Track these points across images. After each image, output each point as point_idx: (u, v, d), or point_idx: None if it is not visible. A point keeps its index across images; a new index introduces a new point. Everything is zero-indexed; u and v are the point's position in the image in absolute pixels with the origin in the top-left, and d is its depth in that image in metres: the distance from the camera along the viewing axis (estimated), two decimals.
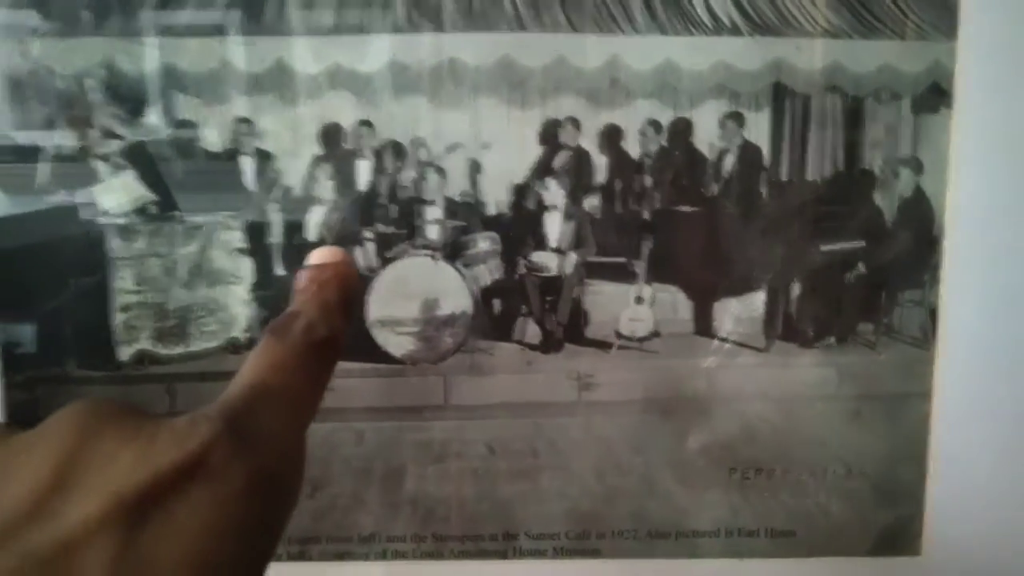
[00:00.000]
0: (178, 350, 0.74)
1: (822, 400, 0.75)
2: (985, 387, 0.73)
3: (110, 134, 0.70)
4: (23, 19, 0.68)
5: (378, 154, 0.73)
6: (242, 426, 0.29)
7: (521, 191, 0.75)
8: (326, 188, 0.74)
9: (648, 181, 0.75)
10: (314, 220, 0.75)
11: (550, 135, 0.73)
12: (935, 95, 0.71)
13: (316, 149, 0.72)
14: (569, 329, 0.76)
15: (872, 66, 0.71)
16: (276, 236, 0.74)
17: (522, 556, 0.75)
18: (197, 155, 0.72)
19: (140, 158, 0.71)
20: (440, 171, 0.74)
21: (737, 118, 0.73)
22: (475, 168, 0.74)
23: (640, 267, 0.75)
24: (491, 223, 0.76)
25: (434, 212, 0.76)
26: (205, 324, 0.74)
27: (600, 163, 0.75)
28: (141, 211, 0.72)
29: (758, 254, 0.74)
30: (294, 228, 0.74)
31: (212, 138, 0.71)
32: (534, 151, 0.73)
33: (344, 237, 0.75)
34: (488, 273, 0.77)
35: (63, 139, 0.70)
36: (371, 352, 0.74)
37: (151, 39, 0.69)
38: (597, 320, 0.76)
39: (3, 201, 0.69)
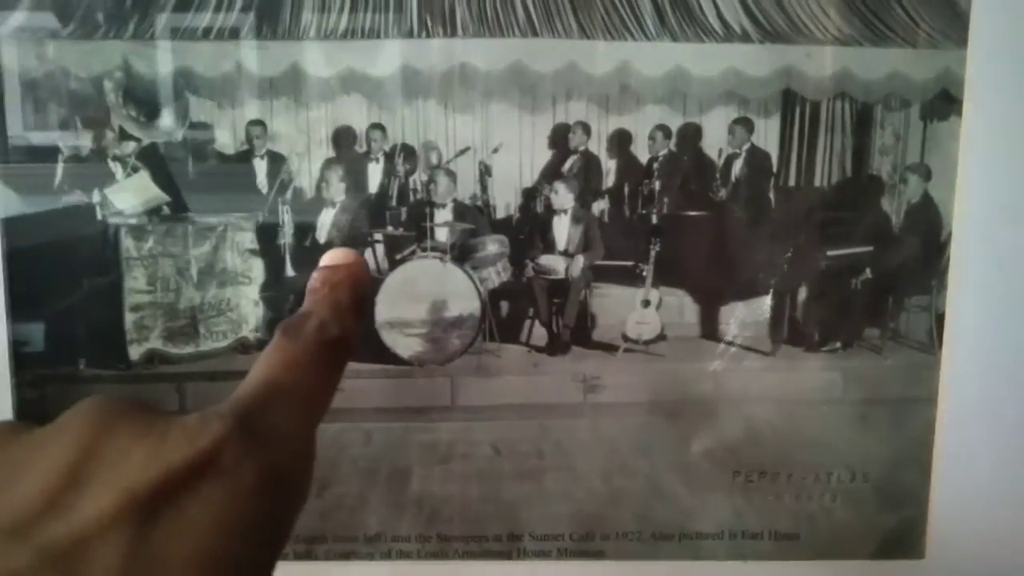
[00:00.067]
0: (188, 350, 0.74)
1: (827, 404, 0.75)
2: (990, 392, 0.73)
3: (126, 136, 0.71)
4: (41, 22, 0.68)
5: (389, 157, 0.74)
6: (253, 424, 0.29)
7: (530, 194, 0.75)
8: (337, 190, 0.74)
9: (656, 185, 0.75)
10: (325, 222, 0.75)
11: (560, 139, 0.74)
12: (944, 102, 0.71)
13: (328, 152, 0.73)
14: (576, 332, 0.77)
15: (882, 73, 0.71)
16: (287, 237, 0.74)
17: (526, 557, 0.75)
18: (211, 157, 0.72)
19: (155, 159, 0.72)
20: (450, 174, 0.75)
21: (746, 124, 0.73)
22: (485, 172, 0.74)
23: (647, 271, 0.75)
24: (500, 226, 0.76)
25: (444, 215, 0.77)
26: (215, 324, 0.74)
27: (609, 167, 0.75)
28: (155, 212, 0.73)
29: (765, 258, 0.75)
30: (305, 230, 0.75)
31: (226, 140, 0.72)
32: (544, 155, 0.74)
33: (354, 239, 0.75)
34: (496, 276, 0.78)
35: (79, 140, 0.71)
36: (379, 353, 0.75)
37: (167, 43, 0.69)
38: (604, 323, 0.77)
39: (16, 201, 0.70)
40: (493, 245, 0.77)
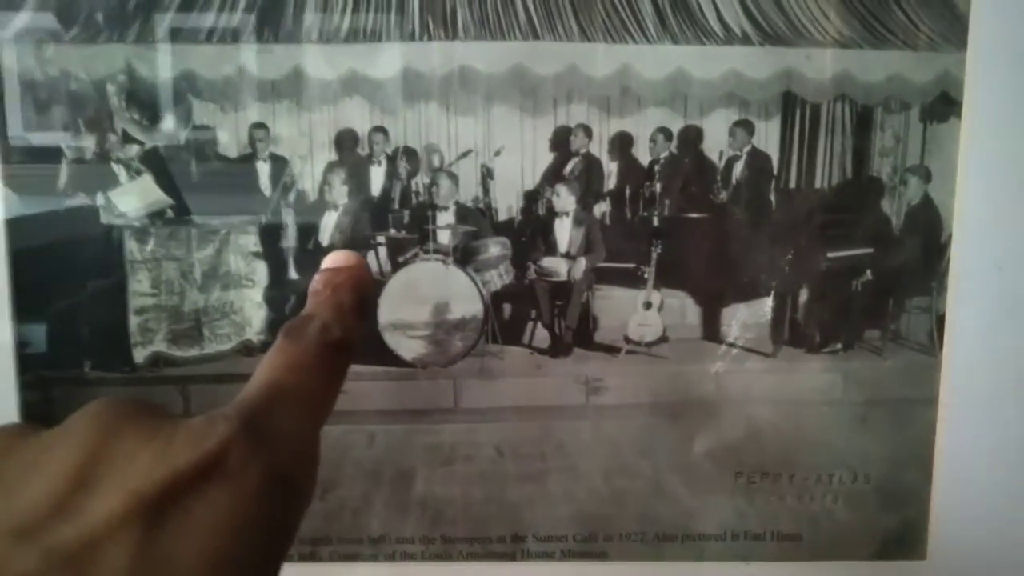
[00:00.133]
0: (192, 352, 0.75)
1: (828, 405, 0.75)
2: (991, 393, 0.73)
3: (129, 139, 0.71)
4: (44, 25, 0.69)
5: (391, 160, 0.74)
6: (258, 426, 0.29)
7: (532, 197, 0.76)
8: (340, 193, 0.75)
9: (658, 188, 0.75)
10: (328, 224, 0.75)
11: (561, 142, 0.74)
12: (944, 104, 0.71)
13: (330, 155, 0.73)
14: (578, 334, 0.77)
15: (882, 76, 0.72)
16: (290, 240, 0.75)
17: (530, 558, 0.75)
18: (213, 160, 0.73)
19: (158, 163, 0.72)
20: (452, 177, 0.75)
21: (747, 126, 0.73)
22: (487, 174, 0.75)
23: (649, 272, 0.76)
24: (502, 228, 0.77)
25: (446, 217, 0.77)
26: (219, 327, 0.74)
27: (610, 170, 0.75)
28: (159, 215, 0.73)
29: (766, 260, 0.75)
30: (308, 232, 0.75)
31: (228, 143, 0.72)
32: (545, 158, 0.74)
33: (357, 241, 0.75)
34: (499, 278, 0.78)
35: (83, 143, 0.71)
36: (382, 355, 0.75)
37: (169, 46, 0.70)
38: (606, 325, 0.77)
39: (20, 202, 0.70)
40: (495, 247, 0.77)
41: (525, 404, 0.76)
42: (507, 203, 0.76)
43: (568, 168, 0.75)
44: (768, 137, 0.74)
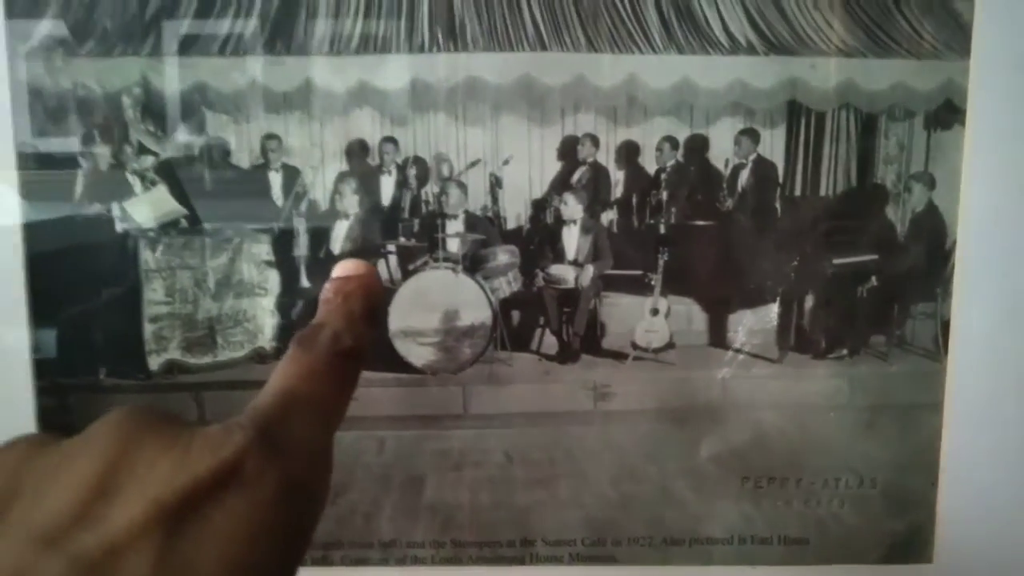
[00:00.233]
0: (206, 360, 0.75)
1: (834, 410, 0.76)
2: (996, 398, 0.74)
3: (144, 150, 0.72)
4: (61, 39, 0.70)
5: (401, 170, 0.75)
6: (273, 434, 0.29)
7: (540, 205, 0.76)
8: (351, 202, 0.75)
9: (664, 196, 0.76)
10: (339, 233, 0.76)
11: (569, 151, 0.74)
12: (948, 112, 0.72)
13: (341, 165, 0.74)
14: (586, 340, 0.78)
15: (886, 84, 0.72)
16: (302, 249, 0.75)
17: (539, 562, 0.76)
18: (227, 170, 0.73)
19: (172, 173, 0.73)
20: (461, 186, 0.76)
21: (752, 135, 0.74)
22: (495, 183, 0.75)
23: (656, 280, 0.76)
24: (510, 237, 0.77)
25: (455, 226, 0.78)
26: (232, 334, 0.75)
27: (617, 178, 0.76)
28: (173, 224, 0.74)
29: (772, 267, 0.75)
30: (320, 241, 0.76)
31: (241, 154, 0.73)
32: (553, 167, 0.75)
33: (367, 250, 0.76)
34: (507, 285, 0.78)
35: (99, 154, 0.72)
36: (393, 362, 0.76)
37: (184, 59, 0.71)
38: (613, 331, 0.77)
39: (33, 209, 0.71)
40: (504, 255, 0.78)
41: (534, 410, 0.76)
42: (515, 211, 0.77)
43: (576, 177, 0.76)
44: (773, 145, 0.74)
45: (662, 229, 0.76)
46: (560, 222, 0.77)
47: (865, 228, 0.75)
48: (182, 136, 0.72)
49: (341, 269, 0.38)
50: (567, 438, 0.76)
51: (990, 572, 0.76)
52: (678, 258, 0.76)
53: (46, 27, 0.69)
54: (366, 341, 0.35)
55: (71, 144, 0.71)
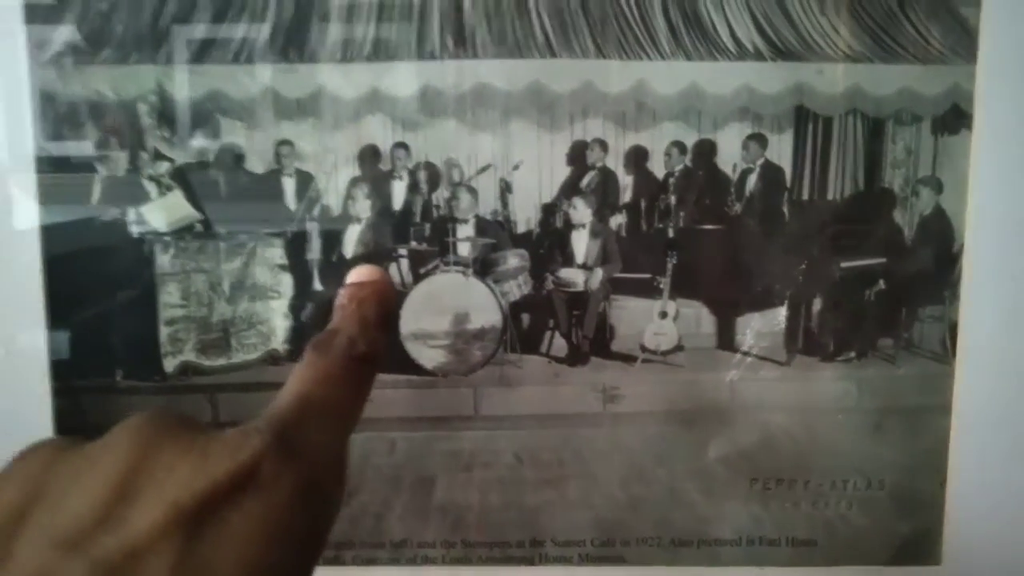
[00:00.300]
0: (220, 362, 0.76)
1: (842, 413, 0.76)
2: (1003, 400, 0.74)
3: (160, 156, 0.73)
4: (78, 47, 0.71)
5: (412, 175, 0.76)
6: (289, 438, 0.30)
7: (549, 210, 0.77)
8: (363, 207, 0.76)
9: (672, 200, 0.76)
10: (351, 237, 0.77)
11: (578, 156, 0.75)
12: (955, 116, 0.72)
13: (354, 170, 0.75)
14: (595, 343, 0.78)
15: (893, 89, 0.72)
16: (315, 253, 0.76)
17: (548, 563, 0.76)
18: (241, 175, 0.74)
19: (187, 179, 0.74)
20: (472, 191, 0.76)
21: (760, 139, 0.74)
22: (505, 188, 0.76)
23: (664, 283, 0.76)
24: (520, 241, 0.78)
25: (466, 230, 0.78)
26: (246, 337, 0.76)
27: (626, 183, 0.76)
28: (188, 229, 0.75)
29: (780, 270, 0.75)
30: (332, 245, 0.76)
31: (255, 160, 0.74)
32: (562, 171, 0.75)
33: (379, 254, 0.77)
34: (517, 289, 0.79)
35: (115, 160, 0.73)
36: (404, 364, 0.76)
37: (198, 67, 0.72)
38: (622, 334, 0.78)
39: (51, 213, 0.72)
40: (514, 259, 0.78)
41: (543, 412, 0.77)
42: (525, 216, 0.77)
43: (585, 181, 0.76)
44: (781, 150, 0.75)
45: (671, 233, 0.77)
46: (569, 226, 0.78)
47: (873, 232, 0.75)
48: (197, 142, 0.73)
49: (355, 275, 0.39)
50: (576, 439, 0.76)
51: (998, 574, 0.76)
52: (686, 262, 0.76)
53: (64, 34, 0.70)
54: (380, 346, 0.36)
55: (88, 149, 0.72)
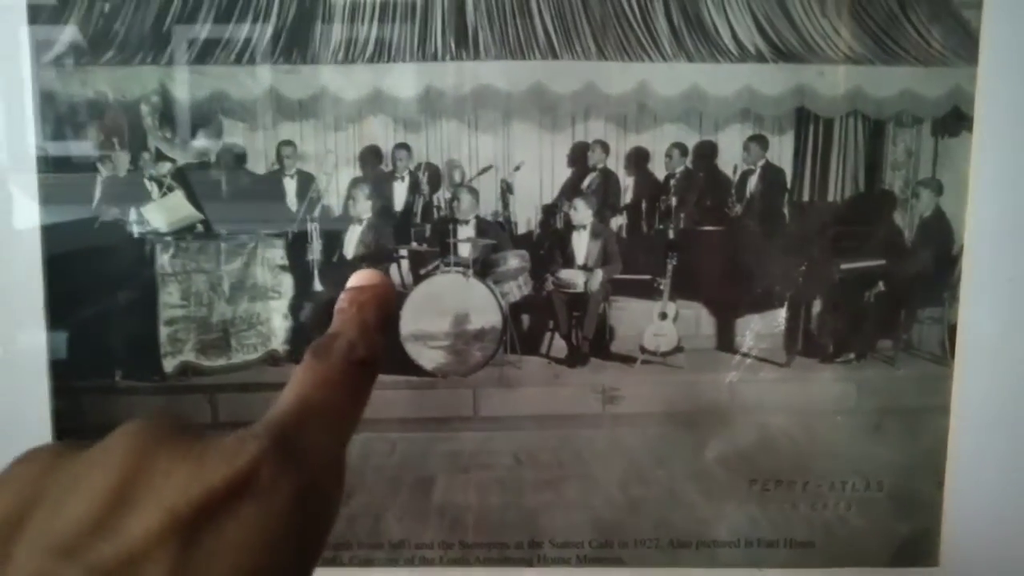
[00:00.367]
0: (220, 362, 0.76)
1: (842, 414, 0.76)
2: (1002, 402, 0.74)
3: (162, 156, 0.73)
4: (81, 49, 0.71)
5: (414, 175, 0.76)
6: (288, 443, 0.29)
7: (550, 211, 0.77)
8: (364, 208, 0.76)
9: (673, 201, 0.76)
10: (352, 238, 0.77)
11: (579, 157, 0.75)
12: (956, 119, 0.72)
13: (355, 171, 0.75)
14: (595, 344, 0.78)
15: (894, 91, 0.72)
16: (316, 253, 0.76)
17: (546, 564, 0.76)
18: (242, 176, 0.74)
19: (189, 179, 0.74)
20: (473, 192, 0.76)
21: (761, 141, 0.75)
22: (506, 189, 0.76)
23: (664, 284, 0.76)
24: (521, 241, 0.78)
25: (466, 231, 0.78)
26: (246, 337, 0.76)
27: (627, 184, 0.76)
28: (189, 229, 0.75)
29: (780, 272, 0.76)
30: (333, 245, 0.76)
31: (257, 160, 0.74)
32: (563, 173, 0.75)
33: (380, 255, 0.77)
34: (517, 289, 0.79)
35: (117, 160, 0.73)
36: (404, 365, 0.76)
37: (201, 68, 0.72)
38: (622, 335, 0.78)
39: (51, 213, 0.72)
40: (514, 260, 0.78)
41: (543, 413, 0.77)
42: (526, 217, 0.77)
43: (586, 183, 0.76)
44: (782, 152, 0.75)
45: (671, 234, 0.77)
46: (570, 227, 0.78)
47: (873, 233, 0.75)
48: (199, 143, 0.73)
49: (356, 279, 0.38)
50: (576, 440, 0.76)
51: (996, 575, 0.76)
52: (687, 263, 0.76)
53: (67, 35, 0.70)
54: (380, 350, 0.36)
55: (89, 149, 0.72)
